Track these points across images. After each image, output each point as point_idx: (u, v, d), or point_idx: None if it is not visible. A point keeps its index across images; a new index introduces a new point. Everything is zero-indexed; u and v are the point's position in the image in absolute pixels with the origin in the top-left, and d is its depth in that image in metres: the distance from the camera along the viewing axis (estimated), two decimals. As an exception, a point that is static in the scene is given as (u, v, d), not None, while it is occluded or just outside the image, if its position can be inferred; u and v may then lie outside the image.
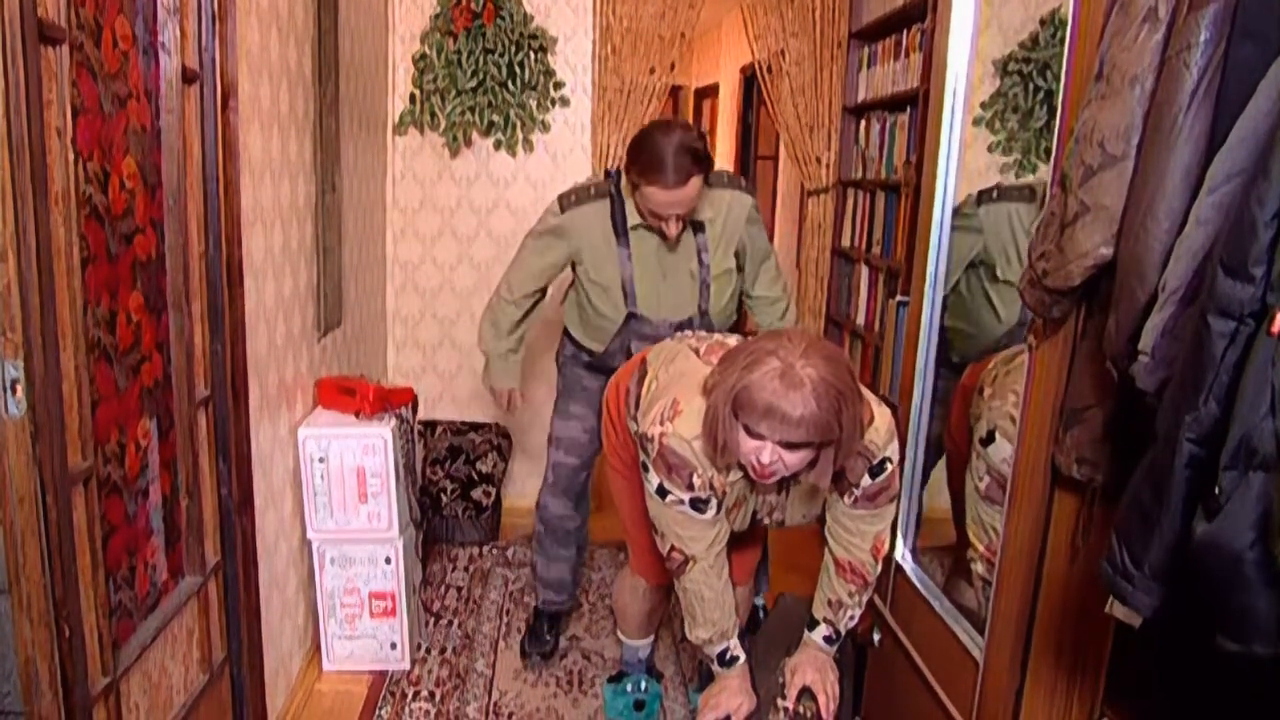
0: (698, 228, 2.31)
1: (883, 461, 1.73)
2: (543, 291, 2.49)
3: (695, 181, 2.12)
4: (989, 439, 1.80)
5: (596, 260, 2.32)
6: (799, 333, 1.59)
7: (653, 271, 2.32)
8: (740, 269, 2.45)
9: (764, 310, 2.56)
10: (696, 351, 1.86)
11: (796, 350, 1.51)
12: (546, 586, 2.70)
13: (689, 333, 2.09)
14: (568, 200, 2.33)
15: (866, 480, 1.74)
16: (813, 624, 1.92)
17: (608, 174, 2.36)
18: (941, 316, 1.99)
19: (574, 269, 2.41)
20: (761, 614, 2.57)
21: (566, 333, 2.57)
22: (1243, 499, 0.87)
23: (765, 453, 1.54)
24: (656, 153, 2.09)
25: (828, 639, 1.91)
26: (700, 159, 2.12)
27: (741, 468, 1.67)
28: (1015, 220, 2.01)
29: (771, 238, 3.92)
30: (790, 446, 1.54)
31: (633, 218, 2.28)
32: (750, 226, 2.40)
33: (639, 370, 1.99)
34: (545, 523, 2.63)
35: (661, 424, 1.70)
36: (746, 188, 2.41)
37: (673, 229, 2.21)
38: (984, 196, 1.86)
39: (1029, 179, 2.07)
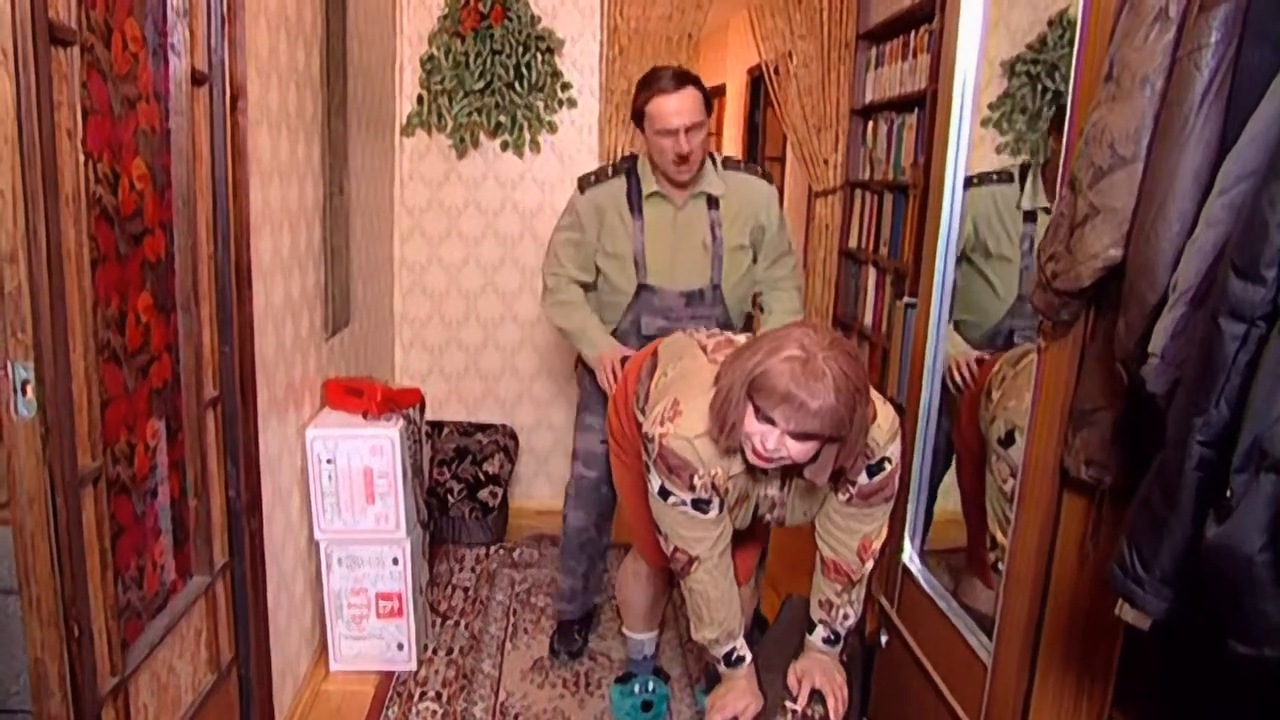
0: (712, 202, 2.38)
1: (881, 461, 1.73)
2: (592, 280, 2.49)
3: (693, 91, 2.27)
4: (1009, 440, 1.79)
5: (613, 235, 2.39)
6: (823, 326, 1.58)
7: (666, 241, 2.38)
8: (754, 258, 2.46)
9: (770, 290, 2.53)
10: (705, 349, 1.86)
11: (821, 342, 1.51)
12: (558, 594, 2.77)
13: (701, 329, 2.09)
14: (587, 181, 2.44)
15: (864, 478, 1.74)
16: (811, 626, 1.92)
17: (625, 158, 2.48)
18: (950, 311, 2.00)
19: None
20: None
21: None
22: (1254, 502, 0.86)
23: (771, 439, 1.54)
24: (654, 73, 2.33)
25: (827, 640, 1.91)
26: (694, 77, 2.30)
27: (743, 456, 1.67)
28: (998, 200, 2.09)
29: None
30: (798, 437, 1.53)
31: (648, 186, 2.36)
32: (768, 213, 2.44)
33: (650, 362, 1.99)
34: (564, 533, 2.69)
35: (662, 425, 1.70)
36: (766, 175, 2.49)
37: (685, 145, 2.25)
38: (966, 183, 1.94)
39: (1007, 163, 2.18)
